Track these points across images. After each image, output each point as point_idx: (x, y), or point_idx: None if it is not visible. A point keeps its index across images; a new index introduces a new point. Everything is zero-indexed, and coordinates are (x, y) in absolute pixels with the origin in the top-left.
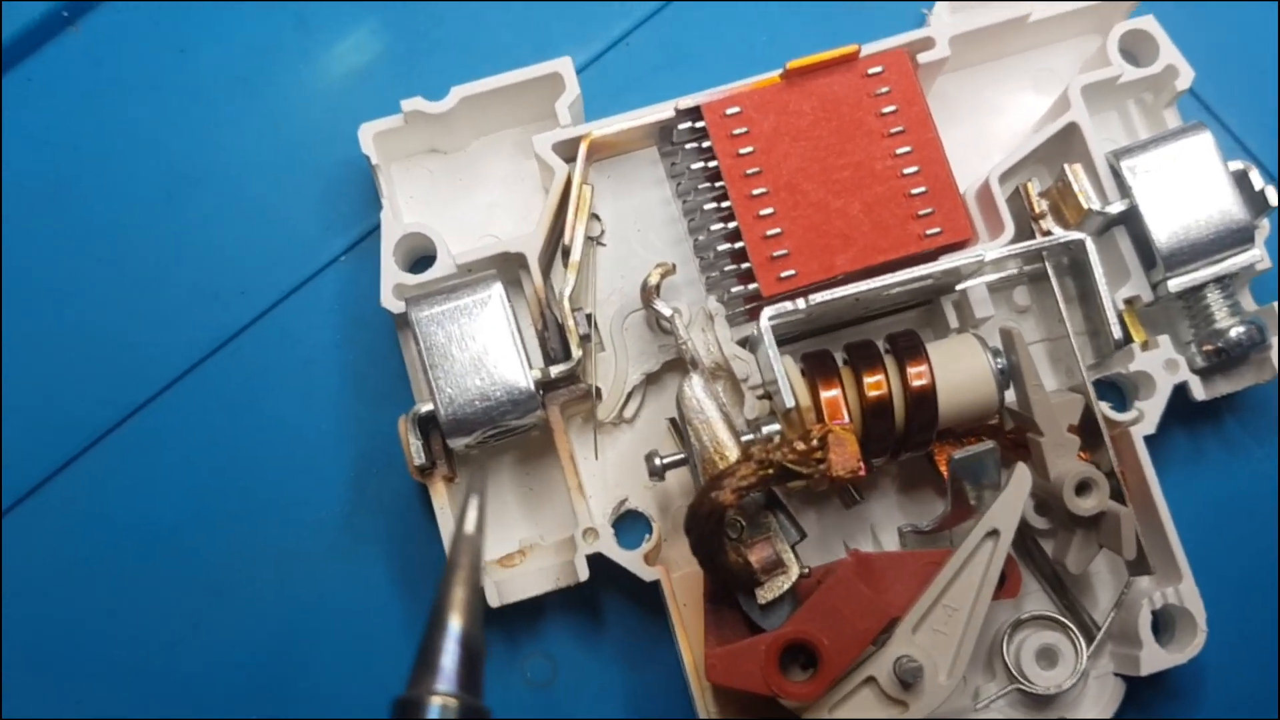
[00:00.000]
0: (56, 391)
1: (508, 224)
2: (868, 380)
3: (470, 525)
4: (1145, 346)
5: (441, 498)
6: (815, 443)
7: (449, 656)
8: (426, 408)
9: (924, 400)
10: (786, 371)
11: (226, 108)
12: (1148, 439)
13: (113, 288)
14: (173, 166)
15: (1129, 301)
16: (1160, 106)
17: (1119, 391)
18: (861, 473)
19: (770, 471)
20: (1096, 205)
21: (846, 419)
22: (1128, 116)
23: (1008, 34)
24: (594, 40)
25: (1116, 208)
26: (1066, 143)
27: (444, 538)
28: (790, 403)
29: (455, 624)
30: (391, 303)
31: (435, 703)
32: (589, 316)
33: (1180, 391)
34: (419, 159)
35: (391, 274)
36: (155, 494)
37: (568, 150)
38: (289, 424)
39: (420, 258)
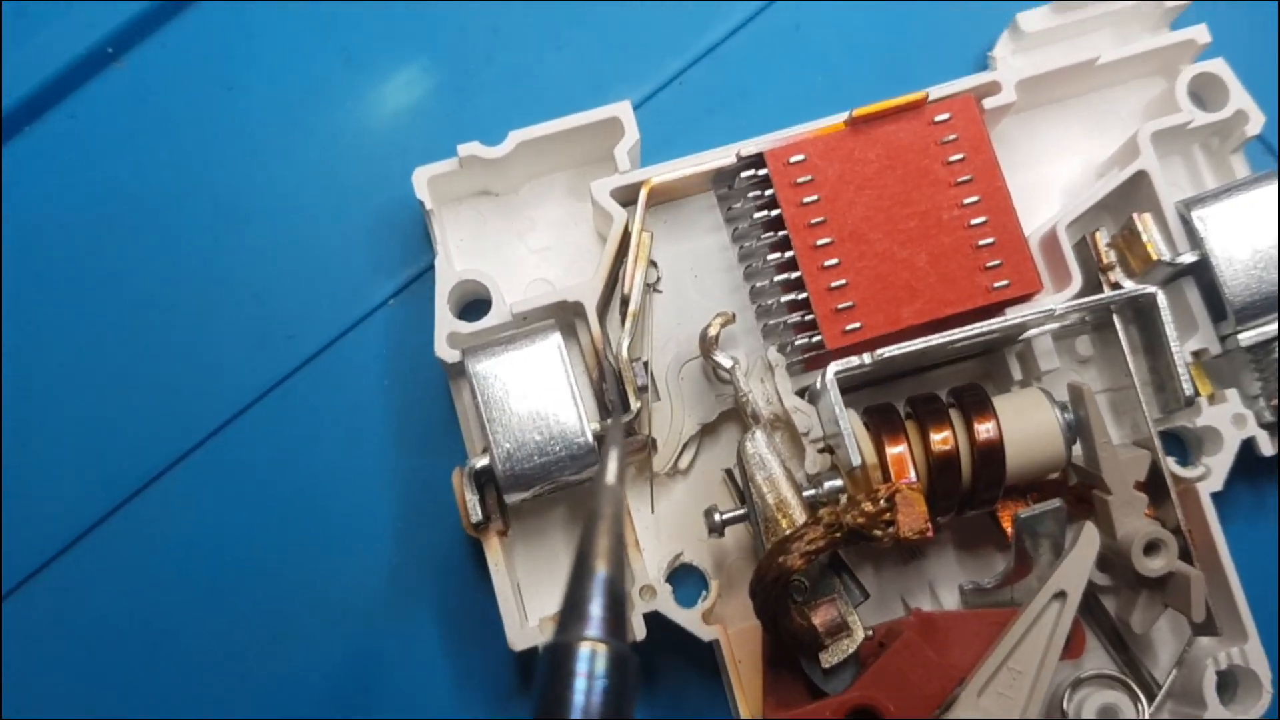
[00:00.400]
0: (102, 438)
1: (559, 269)
2: (934, 436)
3: (611, 476)
4: (1212, 400)
5: (496, 554)
6: (884, 503)
7: (596, 604)
8: (482, 462)
9: (991, 456)
10: (853, 427)
11: (274, 146)
12: (1217, 495)
13: (159, 332)
14: (219, 206)
15: (1196, 354)
16: (1227, 151)
17: (1181, 444)
18: (929, 534)
19: (839, 535)
20: (1167, 256)
21: (913, 476)
22: (1192, 161)
23: (1072, 77)
24: (646, 79)
25: (1187, 258)
26: (1133, 190)
27: (498, 593)
28: (857, 460)
29: (601, 571)
30: (446, 352)
31: (585, 648)
32: (645, 365)
33: (1246, 446)
34: (469, 201)
35: (446, 322)
36: (201, 543)
37: (626, 196)
38: (336, 472)
39: (471, 302)
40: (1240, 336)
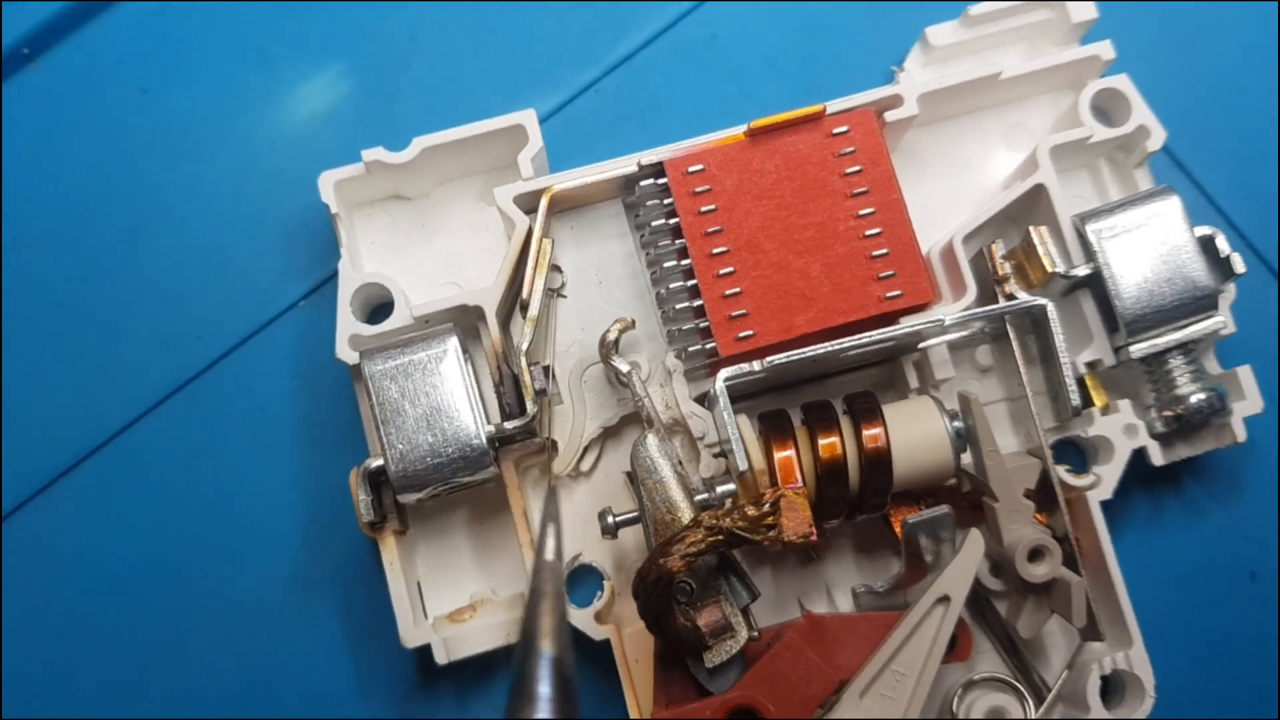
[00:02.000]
0: (8, 435)
1: (471, 272)
2: (822, 442)
3: (550, 552)
4: (1106, 410)
5: (391, 553)
6: (767, 507)
7: (544, 684)
8: (377, 463)
9: (879, 462)
10: (742, 433)
11: (189, 148)
12: (1106, 503)
13: (68, 329)
14: (133, 206)
15: (1091, 365)
16: (1131, 165)
17: (1081, 453)
18: (813, 538)
19: (720, 538)
20: (1061, 268)
21: (800, 482)
22: (1099, 175)
23: (978, 90)
24: (563, 87)
25: (1081, 271)
26: (1034, 203)
27: (392, 592)
28: (744, 465)
29: (547, 650)
30: (347, 354)
31: None
32: (547, 369)
33: (1141, 455)
34: (381, 205)
35: (348, 324)
36: (105, 541)
37: (529, 202)
38: (242, 472)
39: (379, 305)
40: (1132, 349)
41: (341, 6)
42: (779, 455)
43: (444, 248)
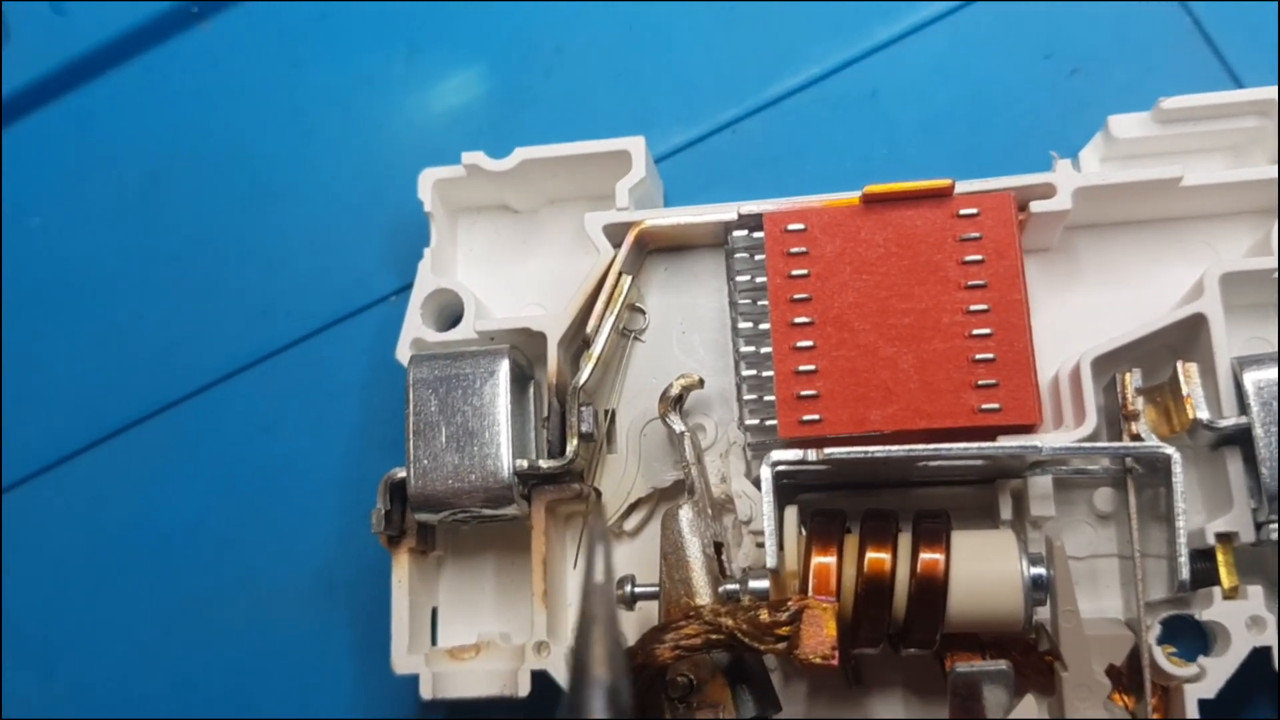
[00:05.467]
0: (93, 375)
1: (557, 297)
2: (870, 555)
3: (599, 575)
4: (1233, 594)
5: (402, 570)
6: (786, 615)
7: (599, 714)
8: (402, 474)
9: (929, 591)
10: (781, 528)
11: (322, 127)
12: (1207, 703)
13: (172, 283)
14: (258, 176)
15: (1225, 537)
16: None
17: (1204, 637)
18: (833, 661)
19: (719, 637)
20: (1205, 416)
21: (835, 596)
22: None
23: (1155, 197)
24: (699, 121)
25: (1228, 424)
26: (1192, 336)
27: (394, 610)
28: (772, 563)
29: (600, 678)
30: (406, 356)
31: None
32: (608, 413)
33: (1265, 655)
34: (487, 214)
35: (414, 327)
36: (158, 496)
37: (620, 234)
38: (295, 457)
39: (459, 313)
40: (1274, 529)
41: (494, 8)
42: (817, 560)
43: (541, 267)
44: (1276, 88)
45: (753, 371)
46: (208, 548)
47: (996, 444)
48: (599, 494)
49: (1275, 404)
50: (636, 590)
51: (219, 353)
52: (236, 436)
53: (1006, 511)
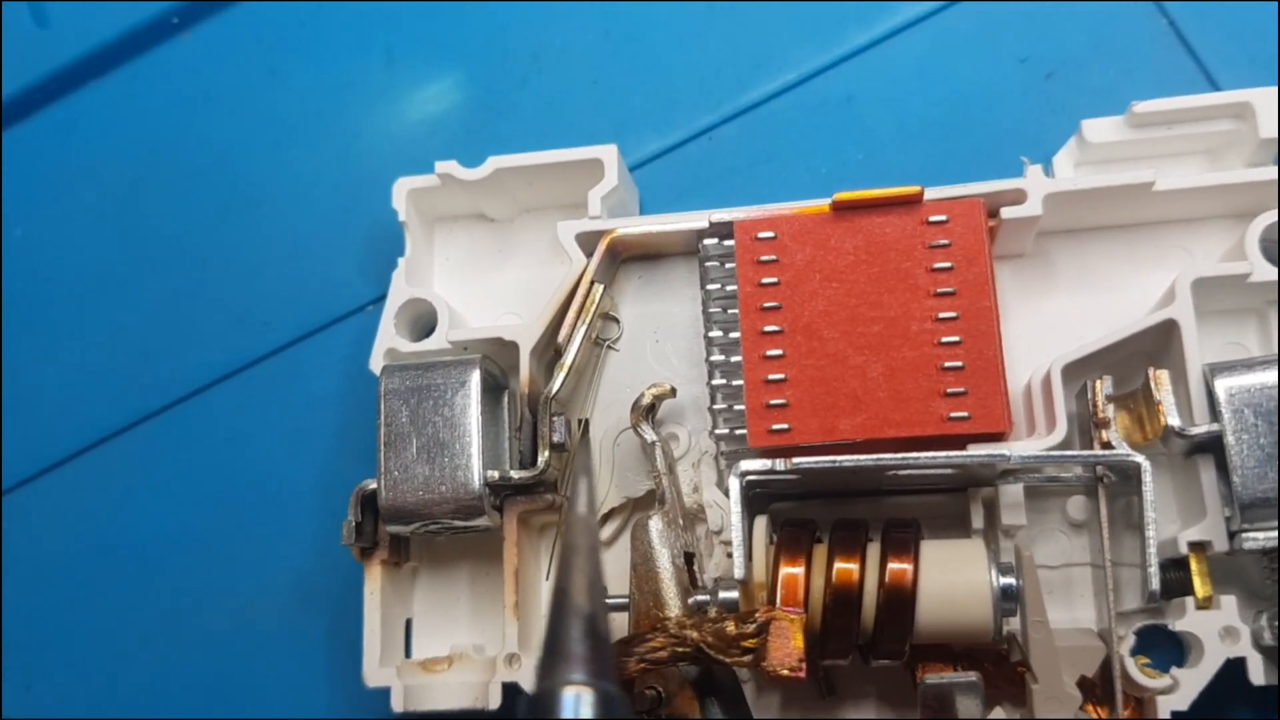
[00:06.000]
0: (72, 386)
1: (534, 306)
2: (839, 565)
3: (582, 505)
4: (1206, 604)
5: (375, 582)
6: (752, 628)
7: (578, 644)
8: (372, 486)
9: (898, 602)
10: (750, 538)
11: (300, 136)
12: (1180, 715)
13: (148, 293)
14: (235, 184)
15: (1199, 546)
16: None
17: (1180, 647)
18: (801, 674)
19: (685, 649)
20: (1177, 424)
21: (803, 607)
22: (1267, 324)
23: (1128, 202)
24: (676, 128)
25: (1200, 431)
26: (1165, 342)
27: (365, 623)
28: (740, 573)
29: (580, 608)
30: (380, 367)
31: (569, 693)
32: (581, 422)
33: (1238, 667)
34: (463, 223)
35: (388, 337)
36: (135, 506)
37: (593, 243)
38: (272, 467)
39: (434, 325)
40: (1244, 538)
41: (472, 16)
42: (785, 570)
43: (517, 277)
44: (1277, 88)
45: (724, 380)
46: (185, 558)
47: (965, 453)
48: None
49: (1247, 411)
50: (609, 601)
51: (197, 363)
52: (214, 447)
53: (978, 520)
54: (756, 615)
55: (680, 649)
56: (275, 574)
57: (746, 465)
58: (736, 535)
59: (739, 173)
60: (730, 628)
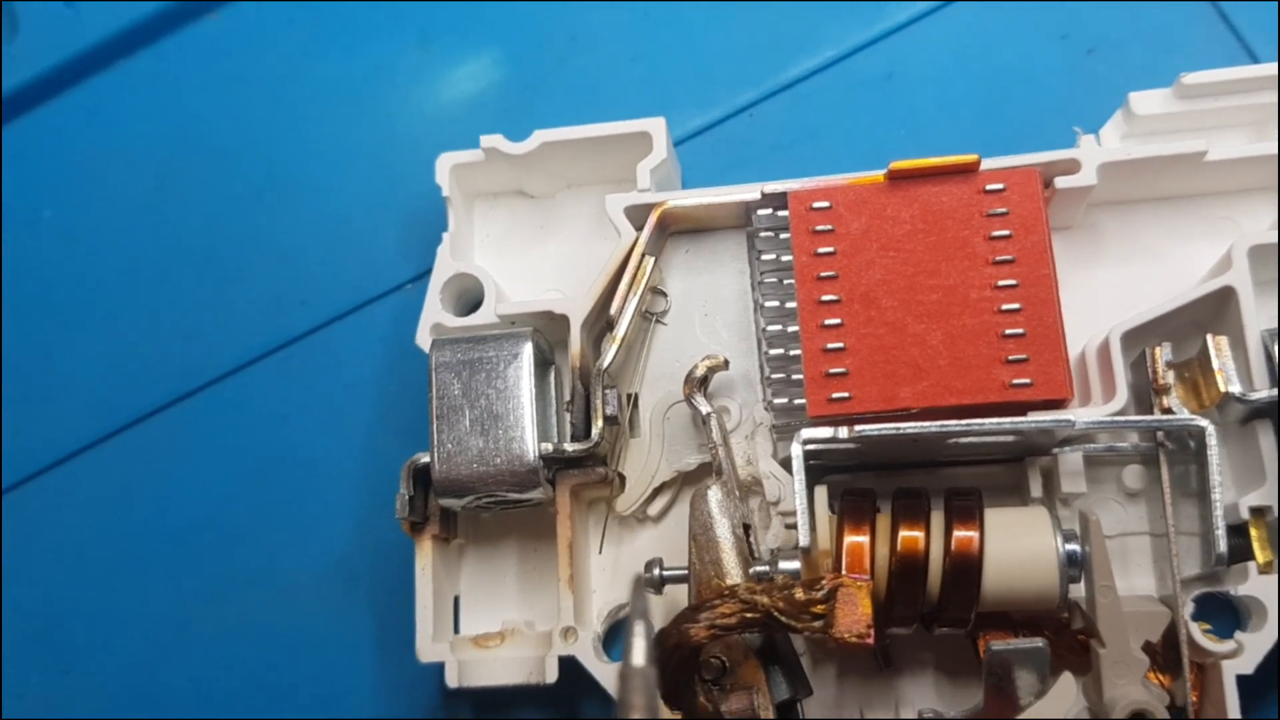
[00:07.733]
0: (110, 367)
1: (576, 281)
2: (904, 534)
3: (638, 657)
4: (1267, 569)
5: (426, 557)
6: (821, 594)
7: None
8: (424, 459)
9: (965, 570)
10: (812, 507)
11: (334, 116)
12: (1245, 679)
13: (187, 275)
14: (271, 166)
15: (1259, 511)
16: None
17: (1236, 614)
18: (869, 640)
19: (756, 615)
20: (1236, 390)
21: (869, 574)
22: None
23: (1179, 172)
24: (716, 105)
25: (1260, 396)
26: (1221, 309)
27: (418, 598)
28: (805, 541)
29: None
30: (426, 341)
31: None
32: (630, 396)
33: None
34: (505, 199)
35: (434, 312)
36: (175, 489)
37: (642, 216)
38: (313, 447)
39: (478, 299)
40: None
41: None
42: (850, 539)
43: (559, 252)
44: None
45: (779, 350)
46: (225, 540)
47: (1029, 419)
48: (623, 478)
49: None
50: (665, 573)
51: (234, 343)
52: (253, 427)
53: (1036, 489)
54: (823, 582)
55: (750, 615)
56: (315, 554)
57: (808, 433)
58: (800, 503)
59: (781, 149)
60: (799, 594)
